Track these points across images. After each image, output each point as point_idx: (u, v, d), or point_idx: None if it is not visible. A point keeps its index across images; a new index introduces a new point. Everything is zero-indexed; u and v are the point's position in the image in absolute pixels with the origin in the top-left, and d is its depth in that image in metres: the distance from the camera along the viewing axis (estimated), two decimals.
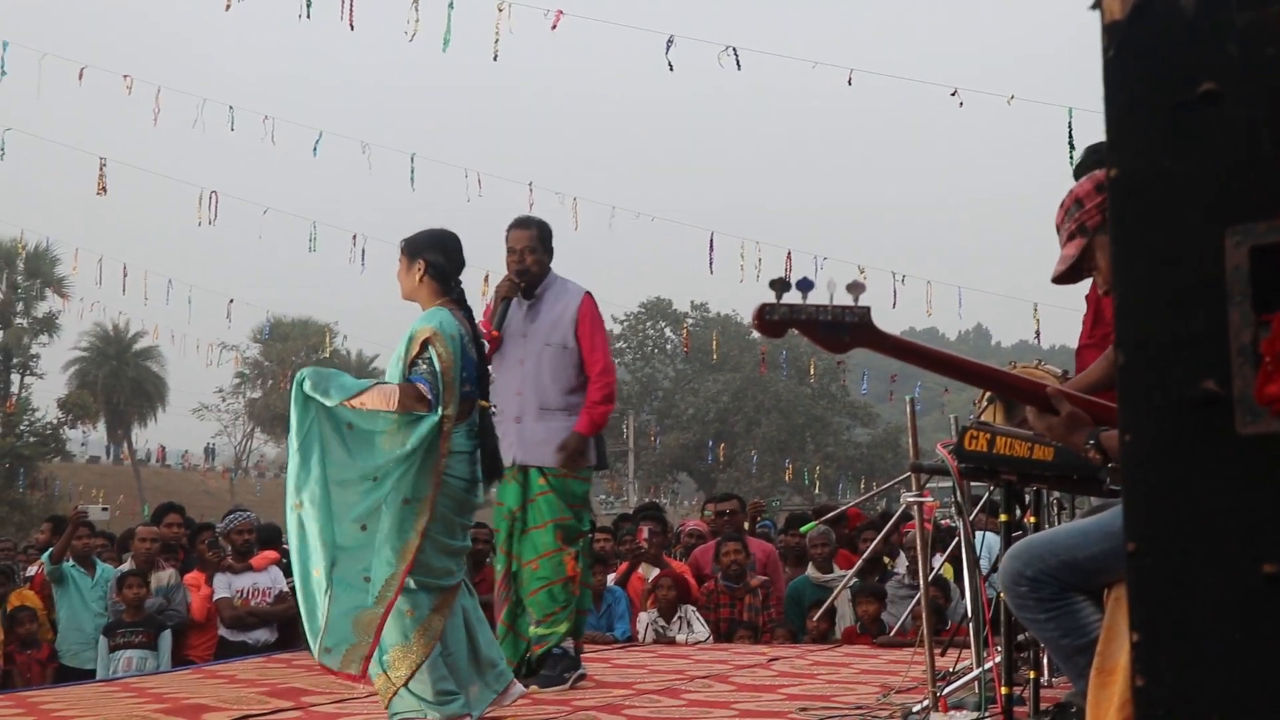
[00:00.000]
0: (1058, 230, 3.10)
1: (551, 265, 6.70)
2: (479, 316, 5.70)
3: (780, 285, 2.69)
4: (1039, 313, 21.49)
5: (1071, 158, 12.65)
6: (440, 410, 5.00)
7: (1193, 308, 1.83)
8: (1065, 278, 3.10)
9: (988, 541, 7.72)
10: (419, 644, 4.98)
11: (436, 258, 5.29)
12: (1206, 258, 1.81)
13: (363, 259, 20.82)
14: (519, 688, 5.35)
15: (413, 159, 18.74)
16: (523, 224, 6.71)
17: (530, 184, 19.63)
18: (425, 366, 5.05)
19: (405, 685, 4.97)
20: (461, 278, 5.40)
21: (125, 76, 17.90)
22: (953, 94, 15.37)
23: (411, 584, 4.97)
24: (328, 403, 4.94)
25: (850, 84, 16.05)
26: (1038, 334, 21.66)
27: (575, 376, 6.56)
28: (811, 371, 51.83)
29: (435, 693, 5.01)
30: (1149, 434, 1.87)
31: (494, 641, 5.37)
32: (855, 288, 2.74)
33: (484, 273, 16.15)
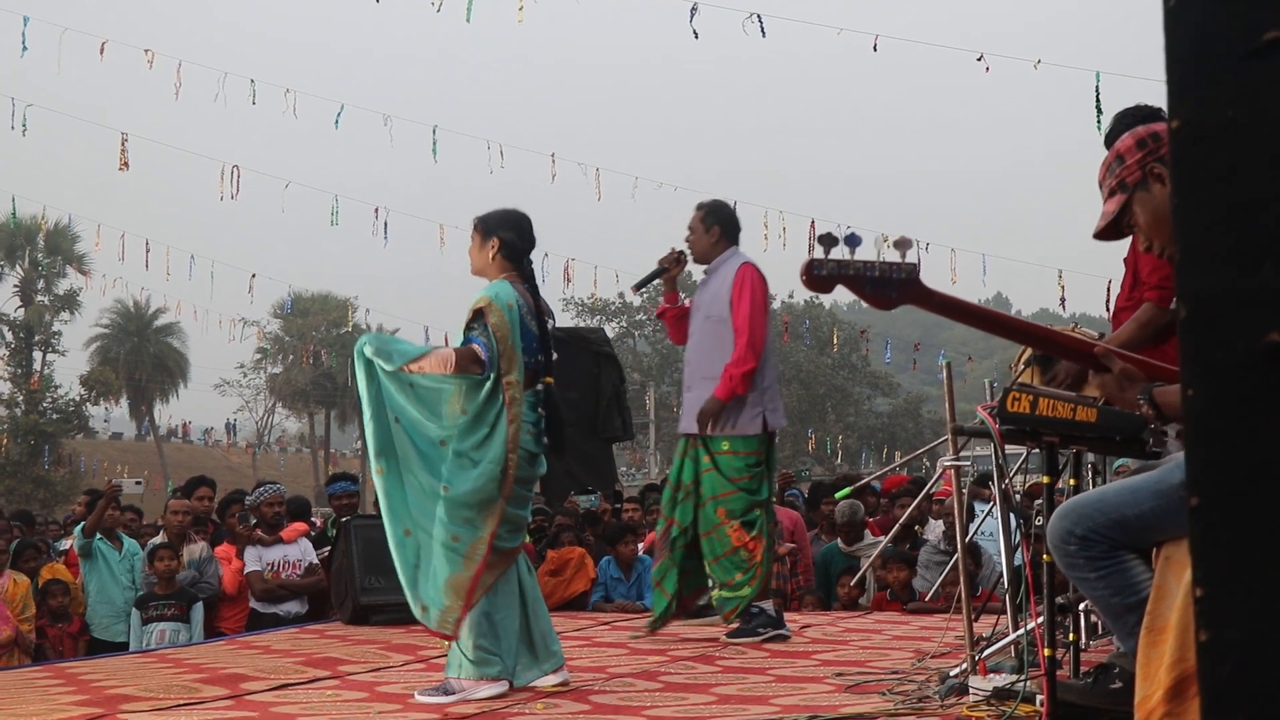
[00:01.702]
0: (1100, 186, 3.07)
1: (736, 245, 7.06)
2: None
3: (828, 241, 2.68)
4: (1064, 279, 21.44)
5: (1099, 122, 12.58)
6: (494, 373, 5.10)
7: (1258, 260, 1.81)
8: (1106, 234, 3.08)
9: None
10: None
11: (510, 236, 5.42)
12: (1271, 209, 1.79)
13: (385, 232, 20.86)
14: (566, 674, 5.39)
15: (435, 131, 18.75)
16: (697, 207, 7.13)
17: (553, 155, 19.65)
18: (479, 330, 5.17)
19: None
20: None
21: (146, 51, 17.93)
22: (979, 59, 15.31)
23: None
24: (388, 367, 5.09)
25: (875, 49, 16.02)
26: (1062, 301, 21.61)
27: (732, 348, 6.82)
28: (834, 341, 51.74)
29: (474, 648, 5.07)
30: (1212, 388, 1.85)
31: (551, 631, 5.42)
32: (903, 244, 2.73)
33: None
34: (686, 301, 7.20)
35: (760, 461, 6.81)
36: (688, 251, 7.02)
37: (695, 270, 7.29)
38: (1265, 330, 1.80)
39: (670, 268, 7.03)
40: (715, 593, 6.84)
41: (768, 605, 6.78)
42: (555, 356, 5.48)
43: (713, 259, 6.99)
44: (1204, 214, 1.88)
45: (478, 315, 5.21)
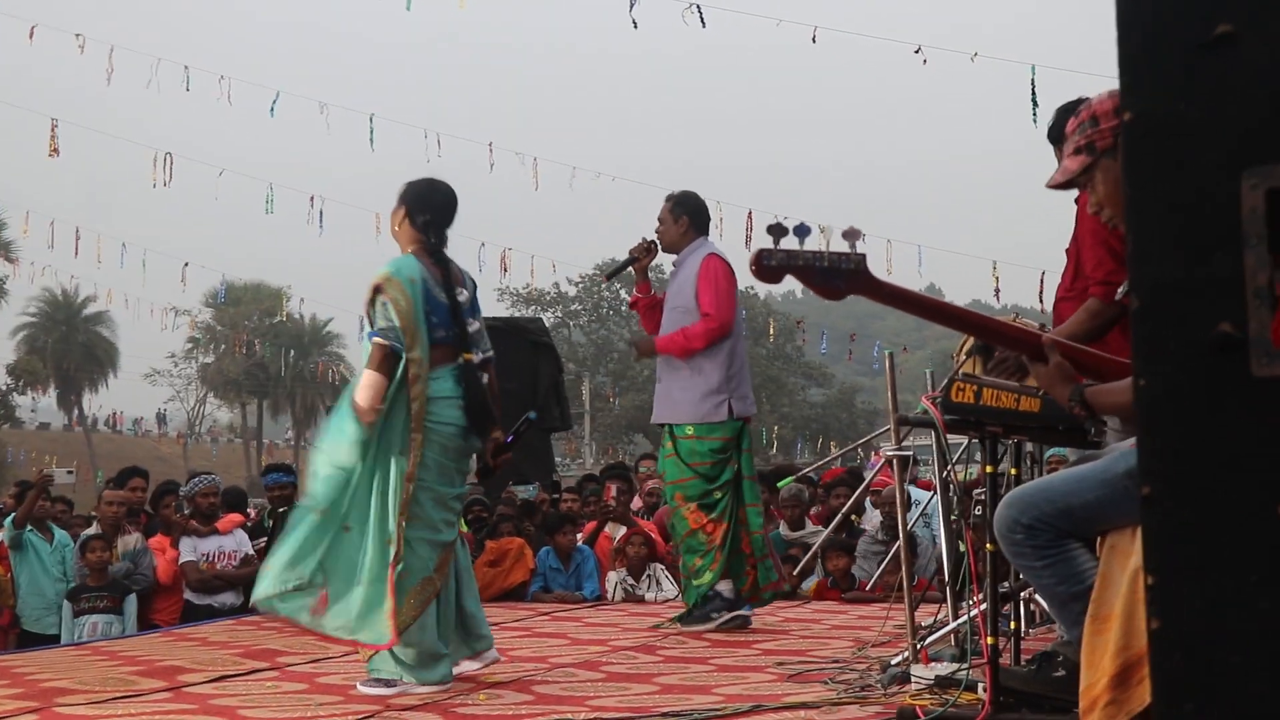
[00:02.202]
0: (1066, 139, 3.06)
1: (706, 236, 7.07)
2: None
3: (777, 231, 2.68)
4: (998, 270, 21.64)
5: (1035, 115, 12.69)
6: (402, 352, 5.02)
7: (1209, 251, 1.83)
8: (1060, 188, 3.09)
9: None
10: (411, 603, 4.97)
11: (419, 207, 5.30)
12: (1223, 201, 1.81)
13: (321, 220, 20.66)
14: (493, 654, 5.34)
15: (372, 119, 18.61)
16: (666, 198, 7.14)
17: (490, 144, 19.54)
18: (379, 313, 5.08)
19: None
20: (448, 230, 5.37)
21: (77, 35, 17.69)
22: (916, 51, 15.37)
23: (409, 539, 4.99)
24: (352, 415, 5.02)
25: (814, 41, 16.08)
26: (997, 292, 21.81)
27: None
28: (771, 332, 51.87)
29: (419, 654, 4.98)
30: (1164, 378, 1.87)
31: (480, 613, 5.35)
32: (852, 234, 2.73)
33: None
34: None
35: (726, 447, 6.78)
36: (657, 241, 7.03)
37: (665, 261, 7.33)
38: (1216, 320, 1.82)
39: (640, 257, 7.05)
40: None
41: (724, 588, 6.73)
42: (475, 328, 5.30)
43: (682, 249, 6.99)
44: (1156, 205, 1.89)
45: (376, 292, 5.11)
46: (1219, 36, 1.84)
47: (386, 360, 5.04)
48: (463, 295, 5.27)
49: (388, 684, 4.99)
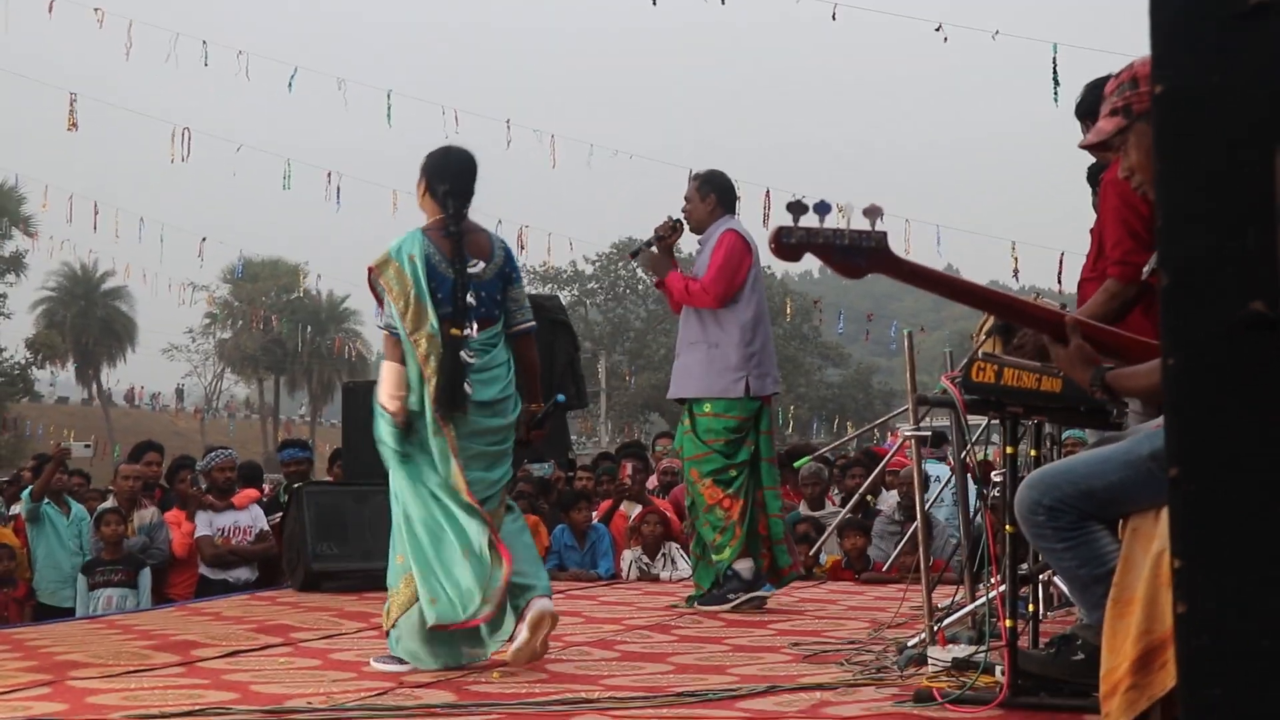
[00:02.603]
0: (1105, 99, 3.02)
1: (733, 213, 7.04)
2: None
3: (797, 208, 2.64)
4: (1017, 251, 21.55)
5: (1056, 95, 12.59)
6: (405, 333, 5.01)
7: (1241, 226, 1.79)
8: (1094, 149, 3.06)
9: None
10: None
11: (437, 177, 5.23)
12: (1255, 175, 1.77)
13: (338, 197, 20.65)
14: (539, 605, 4.98)
15: (389, 96, 18.59)
16: (692, 176, 7.13)
17: (508, 121, 19.51)
18: (384, 299, 5.08)
19: (395, 625, 4.95)
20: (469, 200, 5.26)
21: (96, 10, 17.67)
22: (937, 29, 15.27)
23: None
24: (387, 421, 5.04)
25: (834, 19, 15.95)
26: (1015, 273, 21.72)
27: (715, 313, 6.78)
28: (788, 312, 51.78)
29: (431, 636, 4.93)
30: (1193, 356, 1.83)
31: (529, 567, 5.12)
32: (873, 212, 2.69)
33: None
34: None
35: (742, 426, 6.75)
36: (684, 220, 6.98)
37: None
38: (1247, 297, 1.78)
39: (666, 236, 7.00)
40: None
41: (743, 567, 6.68)
42: (473, 301, 5.06)
43: (708, 227, 6.93)
44: (1186, 179, 1.85)
45: (372, 274, 5.10)
46: (1254, 7, 1.79)
47: (396, 347, 5.03)
48: (477, 267, 5.11)
49: (401, 661, 4.97)
